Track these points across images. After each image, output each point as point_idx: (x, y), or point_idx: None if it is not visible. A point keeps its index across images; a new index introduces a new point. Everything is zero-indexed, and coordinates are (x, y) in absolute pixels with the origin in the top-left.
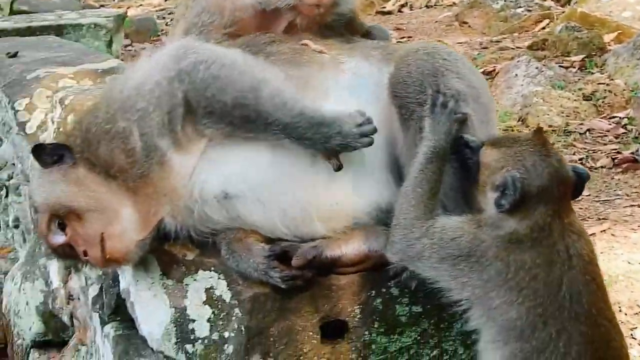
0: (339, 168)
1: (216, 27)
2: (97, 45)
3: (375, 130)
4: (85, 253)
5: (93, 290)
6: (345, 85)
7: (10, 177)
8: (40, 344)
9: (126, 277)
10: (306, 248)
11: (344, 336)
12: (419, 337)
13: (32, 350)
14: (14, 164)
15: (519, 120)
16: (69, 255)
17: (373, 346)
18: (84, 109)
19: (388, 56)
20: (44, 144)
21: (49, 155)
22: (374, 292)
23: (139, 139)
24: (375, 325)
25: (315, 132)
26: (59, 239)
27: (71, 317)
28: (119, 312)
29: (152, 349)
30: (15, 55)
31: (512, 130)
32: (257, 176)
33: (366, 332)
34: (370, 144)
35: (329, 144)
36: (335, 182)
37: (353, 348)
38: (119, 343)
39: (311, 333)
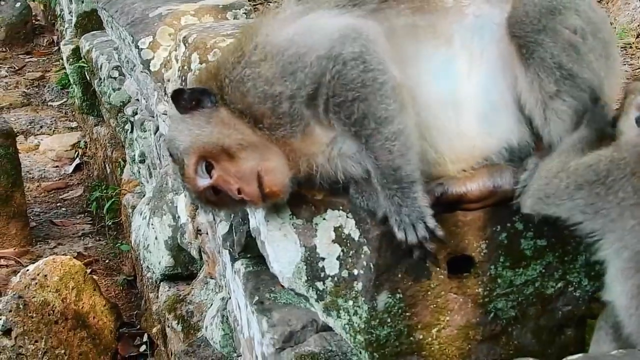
0: None
1: None
2: None
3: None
4: (239, 191)
5: (222, 228)
6: (468, 28)
7: (135, 113)
8: (170, 277)
9: (256, 217)
10: (433, 185)
11: (471, 271)
12: (543, 270)
13: (162, 283)
14: (138, 100)
15: (637, 37)
16: (212, 202)
17: (499, 280)
18: (224, 51)
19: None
20: (183, 88)
21: (187, 100)
22: (499, 227)
23: (290, 105)
24: (501, 260)
25: (395, 202)
26: (205, 181)
27: (199, 251)
28: (248, 249)
29: (282, 286)
30: None
31: (631, 48)
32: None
33: (492, 267)
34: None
35: (397, 215)
36: (467, 127)
37: (479, 282)
38: (250, 279)
39: (438, 269)
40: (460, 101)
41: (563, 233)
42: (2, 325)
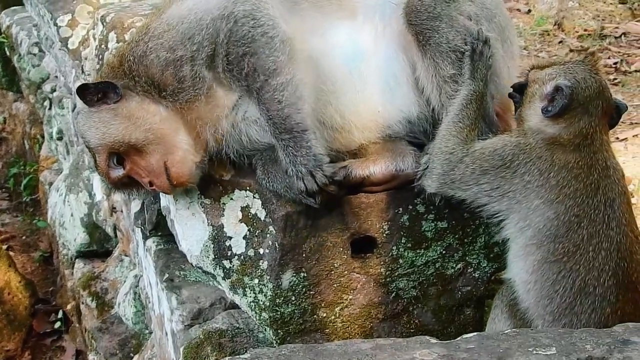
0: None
1: None
2: None
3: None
4: (151, 183)
5: (135, 206)
6: (371, 4)
7: (53, 90)
8: (85, 254)
9: (166, 195)
10: (336, 168)
11: (373, 251)
12: (444, 252)
13: (77, 260)
14: (57, 77)
15: (554, 25)
16: (128, 186)
17: (400, 260)
18: (132, 31)
19: None
20: (88, 83)
21: (93, 94)
22: (400, 209)
23: (191, 68)
24: (403, 241)
25: (290, 152)
26: (118, 172)
27: (114, 228)
28: (159, 227)
29: (191, 264)
30: None
31: (548, 35)
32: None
33: (394, 247)
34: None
35: (293, 166)
36: (371, 95)
37: (382, 262)
38: (160, 257)
39: (342, 249)
40: (365, 71)
41: (463, 216)
42: None
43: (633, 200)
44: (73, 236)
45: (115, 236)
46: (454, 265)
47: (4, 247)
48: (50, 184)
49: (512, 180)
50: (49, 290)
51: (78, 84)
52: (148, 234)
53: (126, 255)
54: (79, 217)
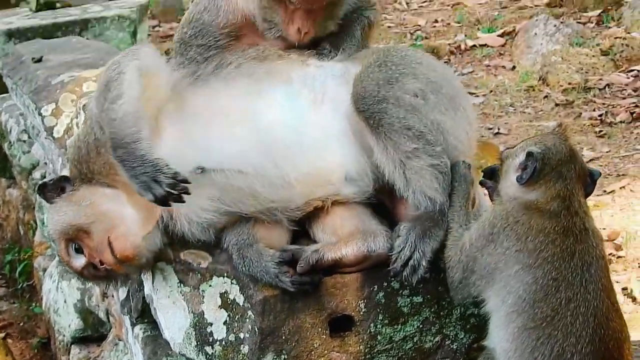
0: None
1: (215, 26)
2: (121, 37)
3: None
4: (101, 262)
5: (122, 293)
6: (309, 75)
7: (43, 177)
8: (80, 340)
9: (148, 284)
10: (309, 253)
11: (352, 329)
12: (421, 326)
13: (72, 346)
14: (46, 164)
15: (539, 80)
16: (96, 276)
17: (379, 337)
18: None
19: (354, 60)
20: (46, 182)
21: (51, 190)
22: (376, 287)
23: (97, 140)
24: (380, 318)
25: (126, 162)
26: (80, 261)
27: (107, 313)
28: (145, 314)
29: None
30: (40, 60)
31: (533, 90)
32: (230, 147)
33: (372, 324)
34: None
35: (136, 180)
36: (311, 150)
37: (360, 340)
38: (148, 344)
39: (320, 329)
40: (304, 129)
41: (438, 289)
42: None
43: (621, 253)
44: (67, 322)
45: (109, 321)
46: (432, 339)
47: (2, 335)
48: (45, 269)
49: (495, 252)
50: None
51: (65, 171)
52: (135, 322)
53: (120, 340)
54: (72, 303)
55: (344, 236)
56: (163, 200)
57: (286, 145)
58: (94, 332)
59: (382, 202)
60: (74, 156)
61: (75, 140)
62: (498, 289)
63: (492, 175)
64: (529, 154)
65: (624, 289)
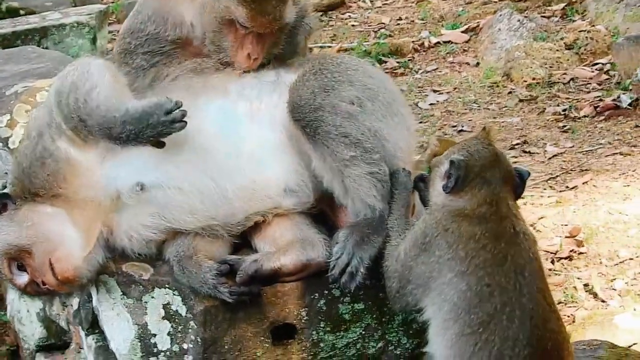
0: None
1: (161, 36)
2: (81, 44)
3: (184, 114)
4: (43, 283)
5: (74, 305)
6: (246, 84)
7: (4, 186)
8: (45, 348)
9: (94, 296)
10: (247, 263)
11: (294, 337)
12: (363, 332)
13: (37, 354)
14: (6, 173)
15: (503, 76)
16: (38, 293)
17: (321, 344)
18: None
19: (287, 66)
20: None
21: None
22: (317, 294)
23: (43, 150)
24: (322, 325)
25: (124, 130)
26: (23, 278)
27: (67, 322)
28: (96, 324)
29: None
30: None
31: (497, 87)
32: (169, 163)
33: (314, 332)
34: (182, 128)
35: (142, 138)
36: (247, 163)
37: (303, 348)
38: (100, 354)
39: (262, 338)
40: (239, 142)
41: (379, 295)
42: None
43: (582, 250)
44: (31, 331)
45: (69, 330)
46: (375, 345)
47: None
48: None
49: (429, 260)
50: None
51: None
52: (87, 332)
53: (81, 348)
54: (35, 312)
55: (283, 245)
56: (183, 114)
57: (223, 160)
58: (57, 340)
59: (323, 211)
60: (15, 173)
61: (16, 157)
62: (434, 297)
63: (423, 181)
64: (452, 163)
65: (585, 285)
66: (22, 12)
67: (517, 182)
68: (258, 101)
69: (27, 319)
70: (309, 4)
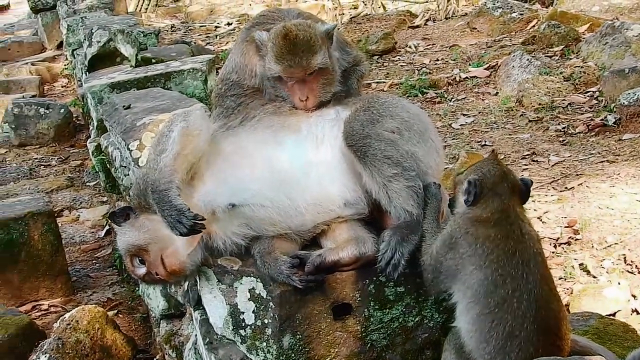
0: None
1: (242, 83)
2: (195, 85)
3: (195, 225)
4: (156, 273)
5: (185, 287)
6: (312, 122)
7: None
8: (166, 316)
9: (197, 282)
10: (314, 257)
11: (350, 314)
12: (404, 309)
13: (161, 321)
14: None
15: (516, 102)
16: (153, 281)
17: (372, 319)
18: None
19: (344, 105)
20: (114, 211)
21: (119, 217)
22: (367, 280)
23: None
24: (372, 304)
25: (153, 199)
26: (142, 270)
27: (183, 297)
28: (200, 303)
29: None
30: (129, 107)
31: (512, 110)
32: (254, 186)
33: (365, 310)
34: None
35: (165, 219)
36: (314, 184)
37: (357, 322)
38: (203, 325)
39: (325, 315)
40: (309, 167)
41: (416, 281)
42: None
43: (578, 237)
44: (156, 303)
45: (184, 304)
46: (413, 319)
47: (115, 311)
48: None
49: (455, 257)
50: (148, 342)
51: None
52: (193, 308)
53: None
54: (159, 290)
55: (341, 243)
56: (185, 235)
57: (296, 182)
58: (176, 310)
59: (373, 216)
60: (135, 191)
61: (136, 179)
62: (459, 285)
63: (453, 202)
64: (469, 182)
65: (581, 264)
66: (153, 61)
67: (522, 190)
68: (322, 134)
69: (153, 294)
70: (362, 54)
